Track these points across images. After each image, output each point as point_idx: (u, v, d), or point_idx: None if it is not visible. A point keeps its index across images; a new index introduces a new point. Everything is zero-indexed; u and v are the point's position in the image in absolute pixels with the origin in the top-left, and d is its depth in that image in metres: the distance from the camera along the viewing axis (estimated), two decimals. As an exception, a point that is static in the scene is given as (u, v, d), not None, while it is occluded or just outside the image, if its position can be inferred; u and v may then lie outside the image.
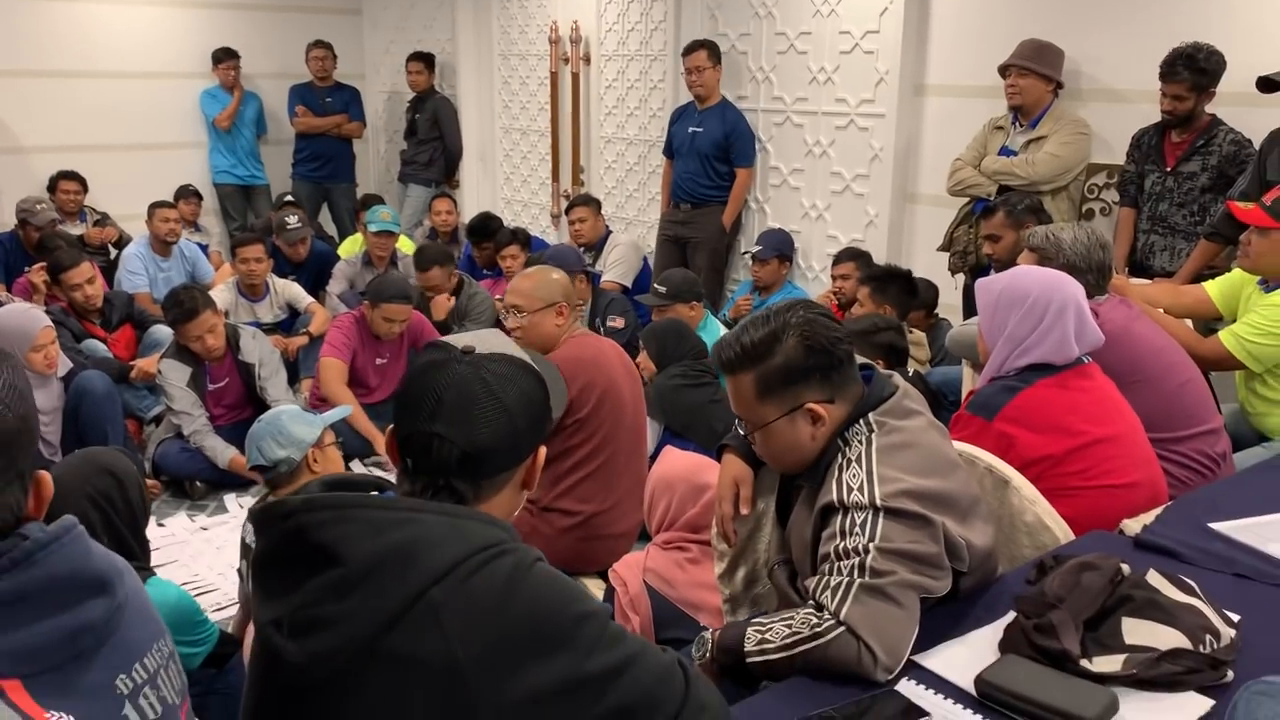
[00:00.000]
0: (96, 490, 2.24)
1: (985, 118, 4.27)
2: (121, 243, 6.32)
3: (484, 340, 1.36)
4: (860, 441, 1.71)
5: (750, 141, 5.41)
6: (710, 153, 5.38)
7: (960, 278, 4.33)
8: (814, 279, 5.34)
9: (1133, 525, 2.01)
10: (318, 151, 7.38)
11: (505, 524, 1.30)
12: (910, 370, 3.39)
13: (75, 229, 6.48)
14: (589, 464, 2.99)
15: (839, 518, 1.63)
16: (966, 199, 4.23)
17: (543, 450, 1.41)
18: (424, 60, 7.12)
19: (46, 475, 1.07)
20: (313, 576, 1.21)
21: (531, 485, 1.42)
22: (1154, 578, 1.61)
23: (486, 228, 6.00)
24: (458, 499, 1.31)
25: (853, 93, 4.95)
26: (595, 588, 2.92)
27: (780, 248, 5.17)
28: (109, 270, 5.98)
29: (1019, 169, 3.99)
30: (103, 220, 6.62)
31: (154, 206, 5.88)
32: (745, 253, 5.44)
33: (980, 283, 2.41)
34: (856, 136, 4.99)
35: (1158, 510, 2.08)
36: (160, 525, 3.93)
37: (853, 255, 4.74)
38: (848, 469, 1.68)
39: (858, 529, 1.60)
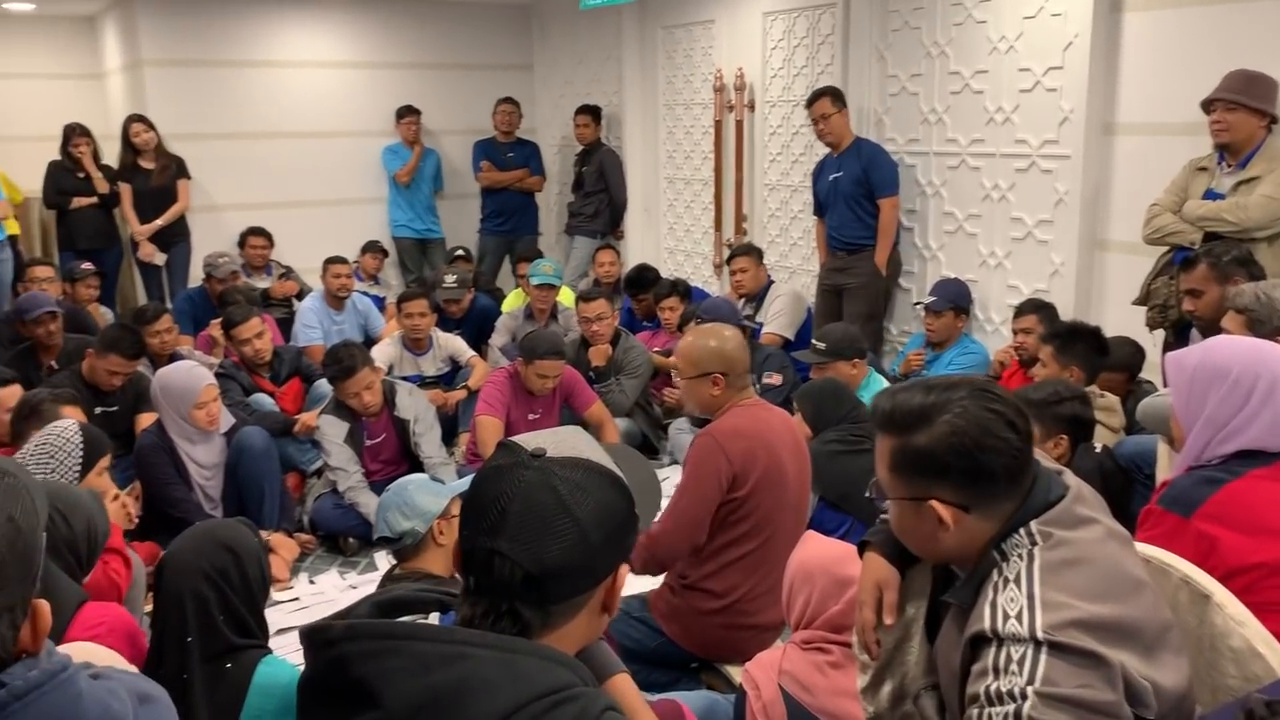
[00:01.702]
0: (213, 567, 2.19)
1: (1184, 158, 3.84)
2: (301, 296, 6.56)
3: (561, 440, 1.18)
4: (1020, 556, 1.44)
5: (891, 170, 5.14)
6: (854, 193, 5.15)
7: (1160, 334, 3.90)
8: (993, 332, 4.96)
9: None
10: (502, 206, 7.52)
11: (573, 662, 1.12)
12: (1099, 446, 3.02)
13: (262, 283, 6.79)
14: (743, 545, 2.76)
15: (992, 651, 1.37)
16: (1166, 248, 3.81)
17: (625, 569, 1.22)
18: (591, 113, 7.15)
19: (44, 605, 0.96)
20: (351, 717, 1.06)
21: (613, 609, 1.23)
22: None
23: (643, 279, 5.91)
24: (522, 627, 1.14)
25: (1034, 133, 4.59)
26: (739, 674, 2.70)
27: (955, 299, 4.82)
28: (290, 323, 6.20)
29: (1228, 214, 3.54)
30: (287, 274, 6.91)
31: (328, 262, 6.08)
32: (918, 304, 5.11)
33: (1171, 357, 2.07)
34: (1039, 179, 4.62)
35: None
36: (311, 583, 3.94)
37: (1036, 307, 4.36)
38: (1004, 590, 1.41)
39: (1014, 668, 1.33)
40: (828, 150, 5.33)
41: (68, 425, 2.93)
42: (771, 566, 2.78)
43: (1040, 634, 1.34)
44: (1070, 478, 1.56)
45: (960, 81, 4.92)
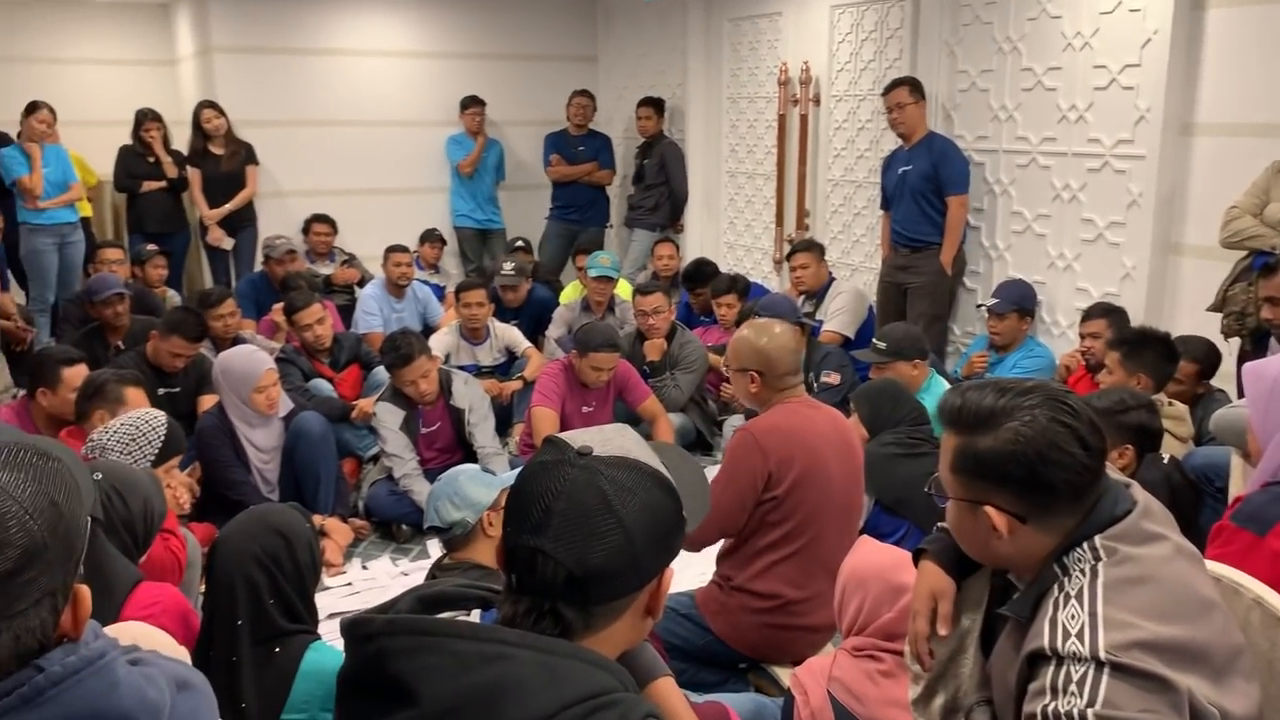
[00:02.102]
0: (264, 551, 2.20)
1: (1266, 159, 3.70)
2: (363, 283, 6.62)
3: (609, 439, 1.15)
4: (1083, 572, 1.38)
5: (962, 167, 5.01)
6: (922, 188, 5.04)
7: (1235, 342, 3.76)
8: (1059, 335, 4.84)
9: None
10: (571, 199, 7.52)
11: (614, 666, 1.09)
12: (1166, 456, 2.91)
13: (325, 269, 6.87)
14: (784, 546, 2.71)
15: (1050, 670, 1.31)
16: (1244, 253, 3.67)
17: (670, 572, 1.19)
18: (653, 105, 7.11)
19: (85, 591, 0.95)
20: (387, 714, 1.05)
21: (657, 613, 1.20)
22: None
23: (701, 273, 5.87)
24: (563, 628, 1.11)
25: (1108, 132, 4.46)
26: (787, 676, 2.65)
27: (1020, 301, 4.71)
28: (351, 310, 6.27)
29: (1311, 218, 3.41)
30: (350, 261, 6.98)
31: (389, 250, 6.12)
32: (980, 305, 5.01)
33: (1249, 367, 1.99)
34: (1112, 180, 4.49)
35: None
36: (364, 568, 3.97)
37: (1105, 312, 4.24)
38: (1065, 606, 1.35)
39: (1074, 689, 1.27)
40: (899, 143, 5.23)
41: (157, 416, 3.02)
42: (817, 569, 2.73)
43: (1102, 654, 1.28)
44: (1138, 491, 1.49)
45: (1032, 78, 4.80)
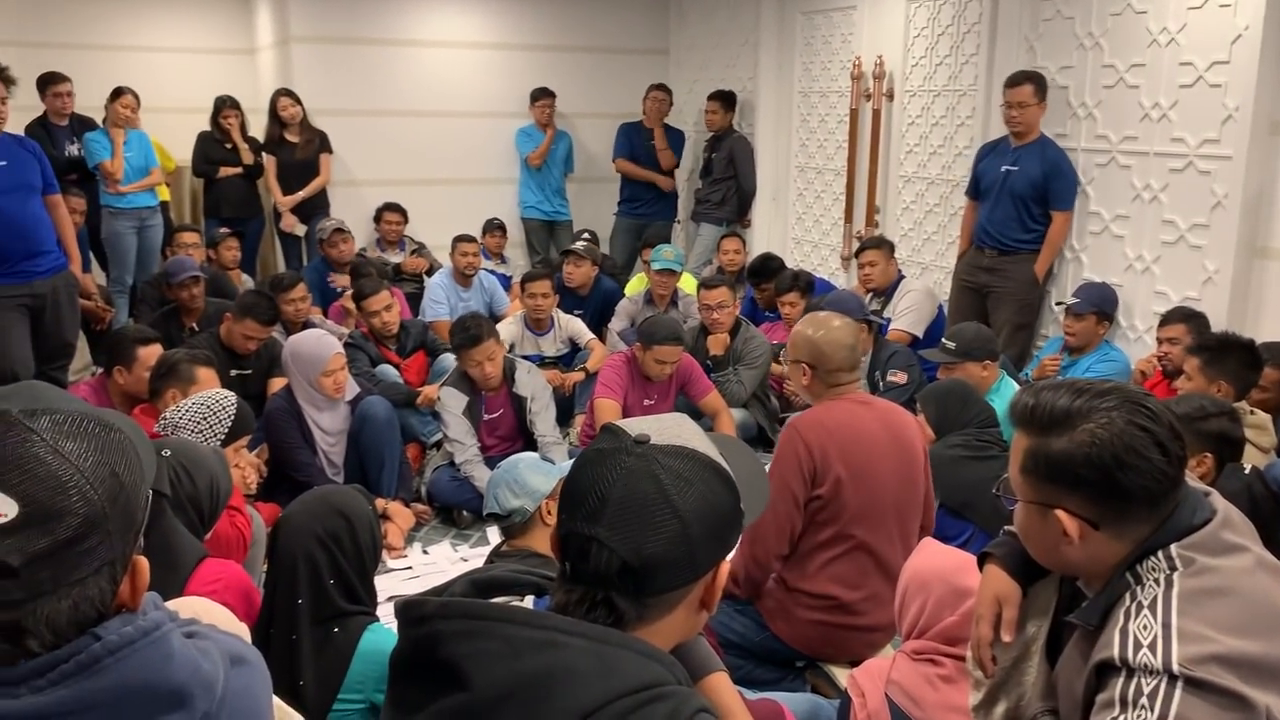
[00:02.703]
0: (326, 531, 2.23)
1: (1364, 161, 3.55)
2: (430, 272, 6.69)
3: (666, 428, 1.13)
4: (1157, 581, 1.33)
5: (1072, 183, 4.86)
6: (1026, 194, 4.88)
7: (1322, 350, 3.62)
8: (1136, 340, 4.70)
9: None
10: (639, 192, 7.51)
11: (668, 658, 1.07)
12: (1247, 466, 2.81)
13: (395, 257, 6.96)
14: (835, 546, 2.66)
15: (1120, 681, 1.27)
16: (1334, 258, 3.53)
17: (726, 565, 1.17)
18: (722, 99, 7.06)
19: (144, 563, 0.96)
20: (438, 697, 1.04)
21: (712, 606, 1.18)
22: None
23: (767, 268, 5.82)
24: (616, 618, 1.10)
25: (1193, 131, 4.32)
26: (845, 677, 2.61)
27: (1100, 304, 4.58)
28: (419, 298, 6.33)
29: None
30: (419, 250, 7.06)
31: (457, 240, 6.18)
32: (1060, 303, 4.88)
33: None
34: (1195, 181, 4.34)
35: None
36: (425, 553, 4.01)
37: (1184, 316, 4.11)
38: (1137, 616, 1.30)
39: (1144, 702, 1.22)
40: (973, 138, 5.10)
41: (228, 396, 3.09)
42: (872, 569, 2.68)
43: (1176, 667, 1.23)
44: (1219, 500, 1.44)
45: (1114, 75, 4.67)
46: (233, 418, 3.01)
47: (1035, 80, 4.84)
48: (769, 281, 5.75)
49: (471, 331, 4.32)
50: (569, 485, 1.15)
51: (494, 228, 7.32)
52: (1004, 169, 4.95)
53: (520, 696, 1.01)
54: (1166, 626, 1.27)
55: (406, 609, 1.12)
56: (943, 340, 4.19)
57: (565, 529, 1.13)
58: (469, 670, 1.03)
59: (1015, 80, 4.87)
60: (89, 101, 6.68)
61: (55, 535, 0.87)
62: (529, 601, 1.20)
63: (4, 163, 4.27)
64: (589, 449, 1.17)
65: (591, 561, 1.09)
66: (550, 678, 1.01)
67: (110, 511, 0.90)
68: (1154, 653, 1.25)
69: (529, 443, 4.48)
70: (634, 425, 1.16)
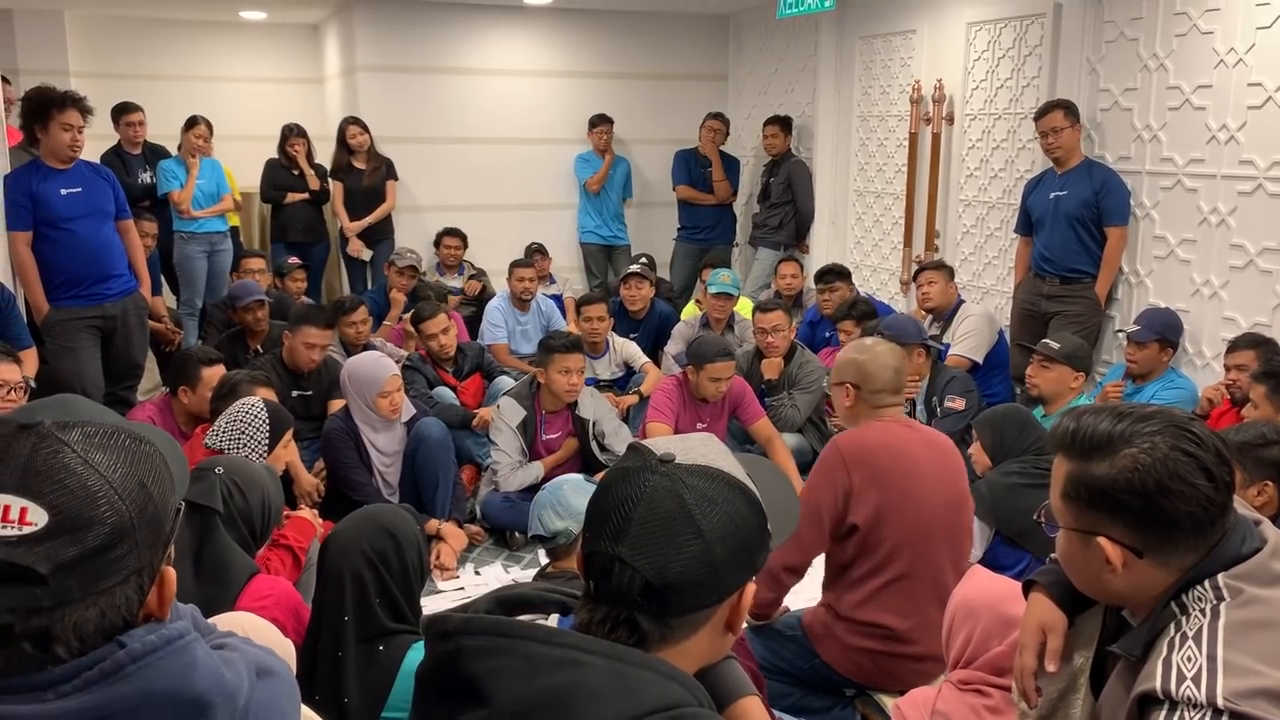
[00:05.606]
0: (374, 550, 2.25)
1: None
2: (487, 295, 6.76)
3: (692, 447, 1.13)
4: (1203, 612, 1.29)
5: (1125, 197, 4.79)
6: (1080, 214, 4.82)
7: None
8: (1203, 367, 4.58)
9: None
10: (697, 218, 7.53)
11: (690, 680, 1.06)
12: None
13: (455, 281, 7.05)
14: (883, 573, 2.62)
15: (1162, 715, 1.23)
16: None
17: (750, 587, 1.16)
18: (780, 124, 7.06)
19: (171, 574, 0.98)
20: (460, 713, 1.05)
21: (737, 628, 1.17)
22: None
23: (833, 270, 5.88)
24: (639, 638, 1.09)
25: (1262, 153, 4.21)
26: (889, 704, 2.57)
27: (1163, 330, 4.47)
28: (477, 321, 6.40)
29: None
30: (478, 275, 7.14)
31: (513, 265, 6.24)
32: (1120, 331, 4.78)
33: None
34: (1265, 204, 4.23)
35: None
36: (477, 574, 4.03)
37: (1253, 343, 3.99)
38: (1181, 647, 1.26)
39: (1186, 737, 1.19)
40: (1035, 162, 5.04)
41: (253, 402, 3.12)
42: (923, 596, 2.64)
43: (1220, 701, 1.19)
44: (1270, 530, 1.39)
45: (1179, 97, 4.58)
46: (267, 423, 3.06)
47: (1063, 105, 4.86)
48: (836, 282, 5.76)
49: (571, 338, 4.46)
50: (594, 504, 1.16)
51: (534, 253, 7.32)
52: (1053, 195, 4.92)
53: (539, 714, 1.01)
54: (1212, 659, 1.23)
55: (431, 625, 1.13)
56: (1045, 340, 4.26)
57: (590, 548, 1.14)
58: (489, 686, 1.03)
59: (1043, 110, 4.92)
60: (164, 130, 6.90)
61: (84, 544, 0.89)
62: (554, 619, 1.20)
63: (79, 189, 4.42)
64: (614, 468, 1.17)
65: (614, 580, 1.09)
66: (569, 696, 1.01)
67: (138, 522, 0.92)
68: (1198, 686, 1.21)
69: (585, 467, 4.47)
70: (659, 444, 1.16)
